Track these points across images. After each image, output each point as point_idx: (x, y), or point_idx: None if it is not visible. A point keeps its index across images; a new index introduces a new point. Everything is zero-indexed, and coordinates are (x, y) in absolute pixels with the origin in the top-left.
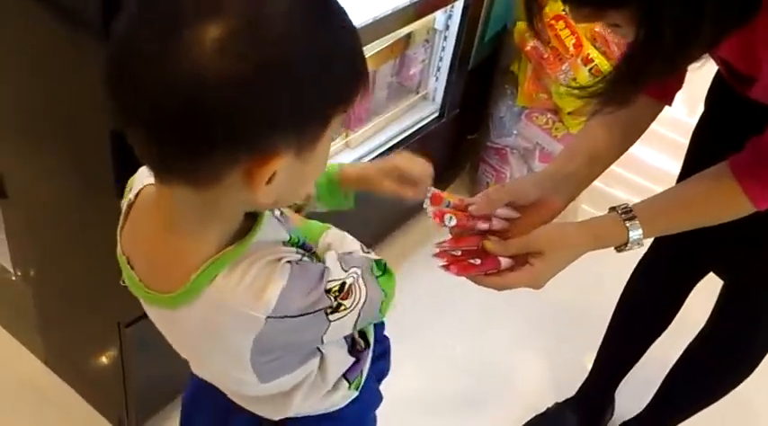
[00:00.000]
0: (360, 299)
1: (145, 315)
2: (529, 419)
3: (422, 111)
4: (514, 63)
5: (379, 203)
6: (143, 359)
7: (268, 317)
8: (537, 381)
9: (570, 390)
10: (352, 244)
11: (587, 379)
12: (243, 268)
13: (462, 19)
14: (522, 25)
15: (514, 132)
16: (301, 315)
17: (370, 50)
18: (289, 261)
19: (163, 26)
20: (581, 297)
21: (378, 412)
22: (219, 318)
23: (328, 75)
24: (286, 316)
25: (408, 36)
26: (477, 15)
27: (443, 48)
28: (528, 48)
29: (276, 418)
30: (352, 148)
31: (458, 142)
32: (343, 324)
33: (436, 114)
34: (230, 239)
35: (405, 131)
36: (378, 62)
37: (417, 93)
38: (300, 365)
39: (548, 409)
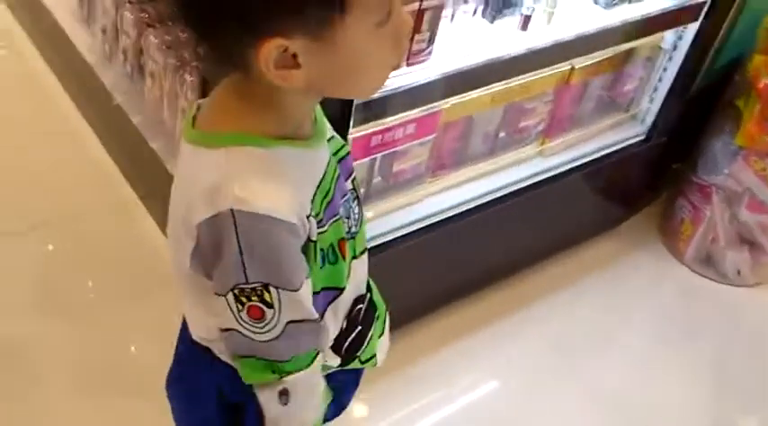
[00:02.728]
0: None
1: None
2: None
3: (627, 131)
4: (741, 97)
5: (553, 223)
6: None
7: (201, 222)
8: None
9: None
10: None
11: None
12: (255, 171)
13: (694, 41)
14: (759, 59)
15: (725, 171)
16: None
17: (586, 60)
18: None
19: None
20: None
21: None
22: (200, 180)
23: None
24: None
25: (630, 50)
26: (711, 40)
27: (665, 69)
28: (762, 85)
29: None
30: (545, 157)
31: (659, 169)
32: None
33: (642, 137)
34: (279, 132)
35: (605, 148)
36: (592, 73)
37: (627, 111)
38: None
39: None
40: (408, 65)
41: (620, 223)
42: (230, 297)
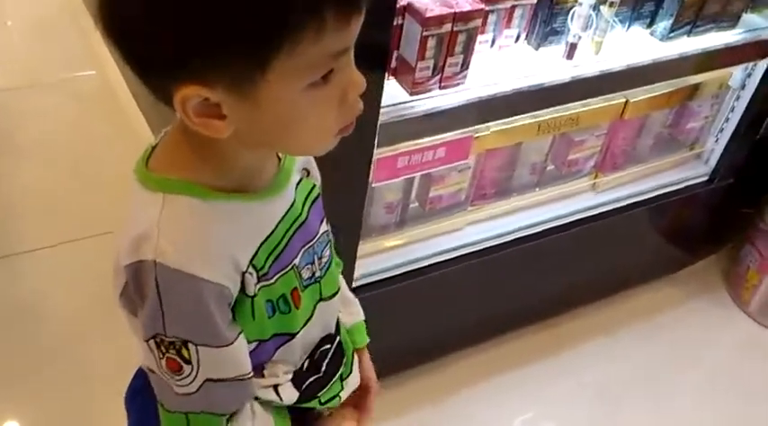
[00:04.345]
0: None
1: None
2: None
3: (689, 171)
4: None
5: (605, 263)
6: None
7: (127, 266)
8: None
9: None
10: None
11: None
12: (186, 224)
13: (764, 80)
14: None
15: None
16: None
17: (645, 92)
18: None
19: None
20: None
21: None
22: (133, 222)
23: (228, 5)
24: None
25: (695, 87)
26: None
27: (733, 109)
28: None
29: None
30: (598, 192)
31: (725, 214)
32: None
33: (705, 178)
34: (221, 183)
35: (664, 188)
36: (649, 108)
37: (691, 149)
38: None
39: None
40: (441, 88)
41: (680, 268)
42: (152, 343)
